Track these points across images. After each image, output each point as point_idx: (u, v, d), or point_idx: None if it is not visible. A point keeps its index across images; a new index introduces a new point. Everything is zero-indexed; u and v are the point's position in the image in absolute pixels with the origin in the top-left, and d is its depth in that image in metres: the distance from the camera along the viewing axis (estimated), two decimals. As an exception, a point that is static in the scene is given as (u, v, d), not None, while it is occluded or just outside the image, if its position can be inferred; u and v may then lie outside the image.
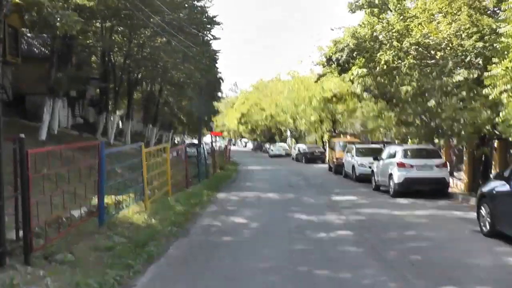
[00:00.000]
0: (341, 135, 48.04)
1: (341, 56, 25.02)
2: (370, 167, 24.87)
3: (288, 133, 79.05)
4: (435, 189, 18.39)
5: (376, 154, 27.43)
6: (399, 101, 23.98)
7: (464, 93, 16.74)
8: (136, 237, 9.41)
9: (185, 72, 34.12)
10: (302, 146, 54.05)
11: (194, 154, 25.64)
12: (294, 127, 66.82)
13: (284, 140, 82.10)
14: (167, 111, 45.84)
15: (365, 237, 10.21)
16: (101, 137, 33.32)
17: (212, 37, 40.17)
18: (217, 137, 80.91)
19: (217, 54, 49.29)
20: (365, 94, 25.56)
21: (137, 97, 48.01)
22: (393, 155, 19.42)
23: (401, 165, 18.36)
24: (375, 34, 20.15)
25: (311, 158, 47.47)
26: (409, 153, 19.09)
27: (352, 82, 26.71)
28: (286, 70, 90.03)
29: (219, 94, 61.14)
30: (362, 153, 27.38)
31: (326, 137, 52.17)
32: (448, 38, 17.47)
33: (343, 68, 25.85)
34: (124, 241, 9.23)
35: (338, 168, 31.37)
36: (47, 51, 28.77)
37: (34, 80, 26.69)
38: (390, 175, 18.81)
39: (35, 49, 31.73)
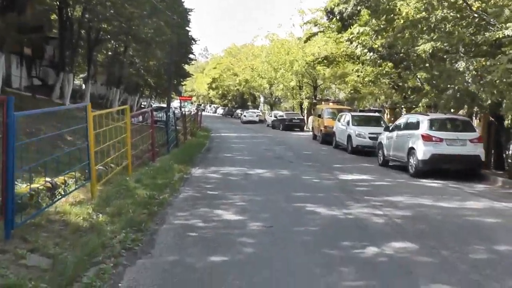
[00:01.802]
0: (322, 102, 44.22)
1: (345, 9, 21.02)
2: (370, 138, 21.40)
3: (262, 99, 74.99)
4: (466, 169, 14.79)
5: (375, 123, 23.90)
6: (413, 62, 20.16)
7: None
8: (64, 259, 5.38)
9: (153, 27, 29.39)
10: (279, 113, 50.20)
11: (162, 119, 21.50)
12: (270, 93, 62.83)
13: (257, 107, 78.33)
14: (132, 72, 40.88)
15: (443, 256, 6.28)
16: (57, 100, 29.08)
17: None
18: (186, 102, 76.75)
19: (189, 12, 44.65)
20: (368, 55, 21.41)
21: (101, 58, 43.34)
22: (414, 126, 15.53)
23: (427, 138, 14.54)
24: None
25: (290, 125, 43.46)
26: (436, 123, 15.21)
27: (351, 42, 22.82)
28: (263, 34, 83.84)
29: (191, 56, 56.08)
30: (358, 121, 23.62)
31: (305, 104, 48.29)
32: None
33: (345, 23, 21.90)
34: (44, 268, 5.21)
35: (326, 138, 27.61)
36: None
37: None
38: (411, 149, 15.03)
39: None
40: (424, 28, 16.14)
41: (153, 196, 9.55)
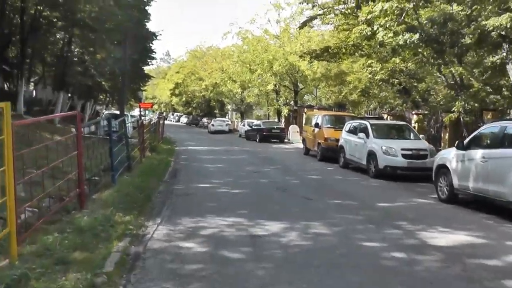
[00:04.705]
0: (305, 109, 37.89)
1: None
2: (404, 156, 15.33)
3: (231, 106, 68.24)
4: None
5: (403, 134, 17.83)
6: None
7: None
8: None
9: (99, 6, 22.42)
10: (254, 121, 43.50)
11: (114, 129, 14.75)
12: (240, 99, 56.26)
13: (225, 115, 71.62)
14: (79, 71, 33.37)
15: None
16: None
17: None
18: (146, 110, 69.65)
19: (149, 2, 37.33)
20: (402, 39, 15.03)
21: (50, 58, 36.04)
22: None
23: None
24: None
25: (268, 136, 36.61)
26: None
27: (369, 24, 16.70)
28: (235, 30, 74.05)
29: (151, 55, 48.03)
30: (380, 132, 17.37)
31: (285, 111, 41.83)
32: None
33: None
34: None
35: (327, 153, 21.14)
36: None
37: None
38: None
39: None
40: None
41: None
